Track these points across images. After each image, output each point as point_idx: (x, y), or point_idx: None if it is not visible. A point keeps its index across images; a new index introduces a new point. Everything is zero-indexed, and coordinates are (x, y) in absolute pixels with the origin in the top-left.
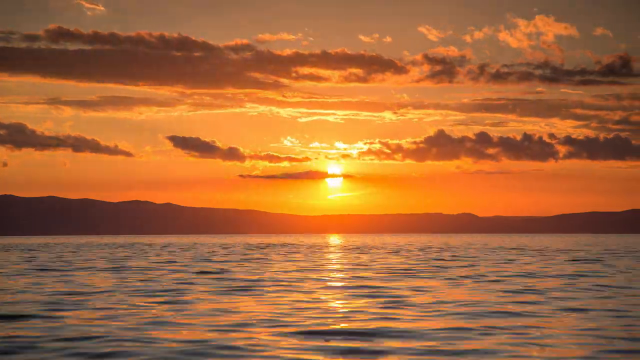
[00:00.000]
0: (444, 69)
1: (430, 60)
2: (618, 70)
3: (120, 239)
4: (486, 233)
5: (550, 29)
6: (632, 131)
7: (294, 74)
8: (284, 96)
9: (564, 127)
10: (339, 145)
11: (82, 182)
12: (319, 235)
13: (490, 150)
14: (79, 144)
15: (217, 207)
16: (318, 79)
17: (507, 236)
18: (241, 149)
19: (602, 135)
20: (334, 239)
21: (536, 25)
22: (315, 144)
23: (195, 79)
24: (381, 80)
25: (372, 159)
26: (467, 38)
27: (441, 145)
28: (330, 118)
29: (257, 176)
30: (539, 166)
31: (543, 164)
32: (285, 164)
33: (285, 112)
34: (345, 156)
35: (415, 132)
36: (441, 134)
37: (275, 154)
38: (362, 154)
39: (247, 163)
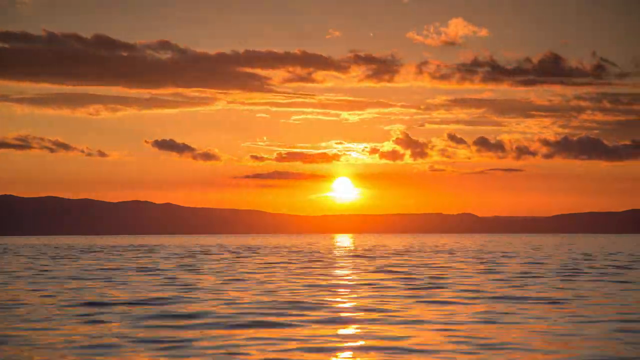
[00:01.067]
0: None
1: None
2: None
3: (107, 240)
4: (486, 233)
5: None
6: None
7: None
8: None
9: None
10: (337, 145)
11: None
12: (319, 235)
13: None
14: None
15: (218, 207)
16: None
17: (510, 236)
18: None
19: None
20: (336, 240)
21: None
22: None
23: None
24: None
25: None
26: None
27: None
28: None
29: (247, 176)
30: (539, 166)
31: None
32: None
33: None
34: (345, 156)
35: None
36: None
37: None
38: (362, 153)
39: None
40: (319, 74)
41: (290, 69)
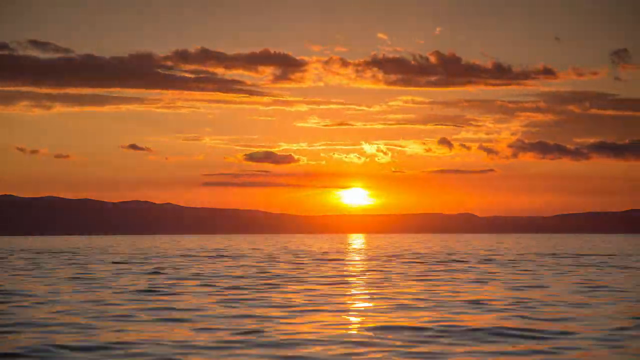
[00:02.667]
0: None
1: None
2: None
3: (96, 240)
4: (486, 233)
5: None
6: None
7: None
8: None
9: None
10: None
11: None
12: (325, 235)
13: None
14: None
15: (218, 207)
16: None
17: (508, 236)
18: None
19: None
20: (335, 242)
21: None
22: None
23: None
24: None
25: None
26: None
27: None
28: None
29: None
30: (538, 166)
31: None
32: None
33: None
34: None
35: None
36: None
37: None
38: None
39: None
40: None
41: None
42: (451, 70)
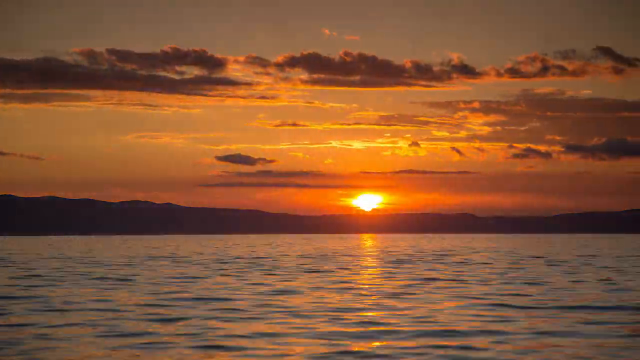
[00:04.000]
0: None
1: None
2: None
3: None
4: (486, 233)
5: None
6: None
7: None
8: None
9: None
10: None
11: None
12: (327, 236)
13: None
14: None
15: (218, 207)
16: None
17: (507, 237)
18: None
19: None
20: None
21: None
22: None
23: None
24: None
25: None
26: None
27: None
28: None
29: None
30: (539, 165)
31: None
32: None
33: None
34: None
35: None
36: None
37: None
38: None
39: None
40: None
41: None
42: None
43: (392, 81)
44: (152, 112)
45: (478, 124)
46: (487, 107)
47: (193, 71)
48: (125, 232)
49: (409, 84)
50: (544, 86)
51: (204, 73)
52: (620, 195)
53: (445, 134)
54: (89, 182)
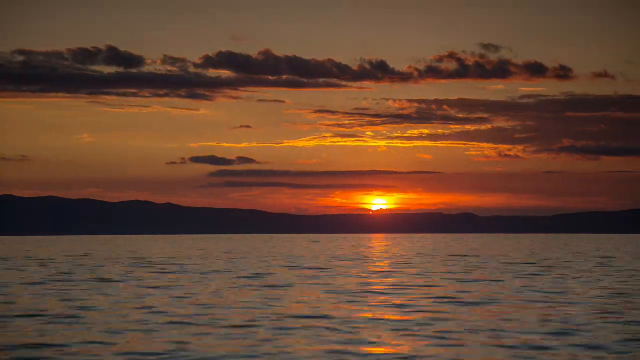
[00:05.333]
0: None
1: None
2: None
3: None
4: (486, 233)
5: None
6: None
7: None
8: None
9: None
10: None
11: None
12: (327, 236)
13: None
14: None
15: (218, 207)
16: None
17: (507, 236)
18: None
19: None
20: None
21: None
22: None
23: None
24: None
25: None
26: None
27: None
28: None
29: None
30: (539, 165)
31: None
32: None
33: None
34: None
35: None
36: None
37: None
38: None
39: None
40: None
41: None
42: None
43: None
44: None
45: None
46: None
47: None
48: (126, 232)
49: None
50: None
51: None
52: (621, 195)
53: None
54: None
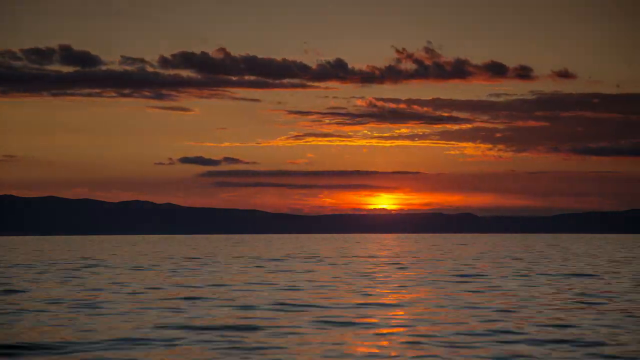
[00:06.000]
0: None
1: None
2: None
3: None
4: (486, 233)
5: None
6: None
7: None
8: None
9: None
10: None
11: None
12: (328, 236)
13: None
14: None
15: (217, 207)
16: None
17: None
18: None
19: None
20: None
21: None
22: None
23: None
24: None
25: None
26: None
27: None
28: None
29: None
30: (541, 165)
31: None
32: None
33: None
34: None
35: None
36: None
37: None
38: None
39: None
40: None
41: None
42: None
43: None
44: None
45: None
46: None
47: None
48: (126, 232)
49: None
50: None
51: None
52: (622, 195)
53: None
54: None
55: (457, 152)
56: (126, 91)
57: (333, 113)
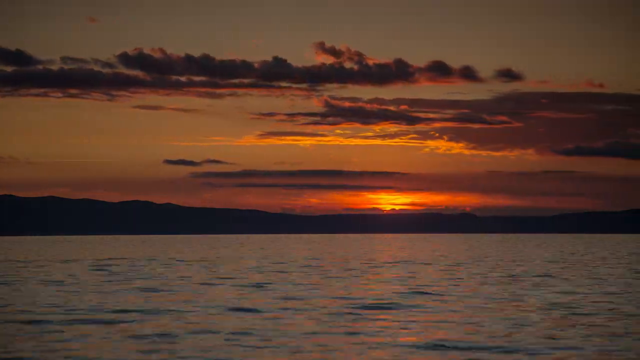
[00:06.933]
0: None
1: None
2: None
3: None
4: (486, 233)
5: None
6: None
7: None
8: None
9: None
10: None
11: None
12: (328, 236)
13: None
14: None
15: (217, 207)
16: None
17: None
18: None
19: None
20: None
21: None
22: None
23: None
24: None
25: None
26: None
27: None
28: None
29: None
30: (538, 165)
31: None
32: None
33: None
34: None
35: None
36: None
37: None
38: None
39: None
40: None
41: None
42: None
43: None
44: None
45: None
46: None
47: None
48: (126, 232)
49: None
50: None
51: None
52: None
53: None
54: None
55: (429, 150)
56: (73, 91)
57: (297, 114)
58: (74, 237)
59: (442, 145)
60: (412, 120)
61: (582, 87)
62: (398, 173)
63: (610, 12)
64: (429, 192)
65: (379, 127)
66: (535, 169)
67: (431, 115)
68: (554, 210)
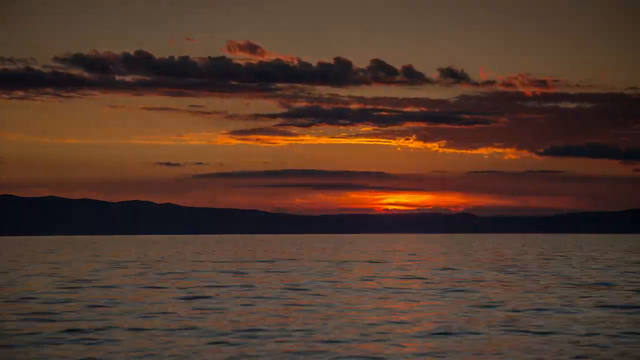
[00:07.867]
0: None
1: None
2: None
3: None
4: (486, 233)
5: None
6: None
7: None
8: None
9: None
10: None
11: None
12: (329, 236)
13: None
14: None
15: (217, 207)
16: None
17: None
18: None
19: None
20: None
21: None
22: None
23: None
24: None
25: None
26: None
27: None
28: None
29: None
30: (539, 164)
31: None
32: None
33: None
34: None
35: None
36: None
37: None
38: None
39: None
40: None
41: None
42: None
43: None
44: None
45: None
46: None
47: None
48: (126, 232)
49: None
50: None
51: None
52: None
53: None
54: None
55: (400, 150)
56: (21, 92)
57: (261, 115)
58: (76, 238)
59: (420, 145)
60: (389, 120)
61: (564, 86)
62: (373, 173)
63: (594, 12)
64: (414, 192)
65: (354, 127)
66: (516, 168)
67: (404, 114)
68: (539, 210)
